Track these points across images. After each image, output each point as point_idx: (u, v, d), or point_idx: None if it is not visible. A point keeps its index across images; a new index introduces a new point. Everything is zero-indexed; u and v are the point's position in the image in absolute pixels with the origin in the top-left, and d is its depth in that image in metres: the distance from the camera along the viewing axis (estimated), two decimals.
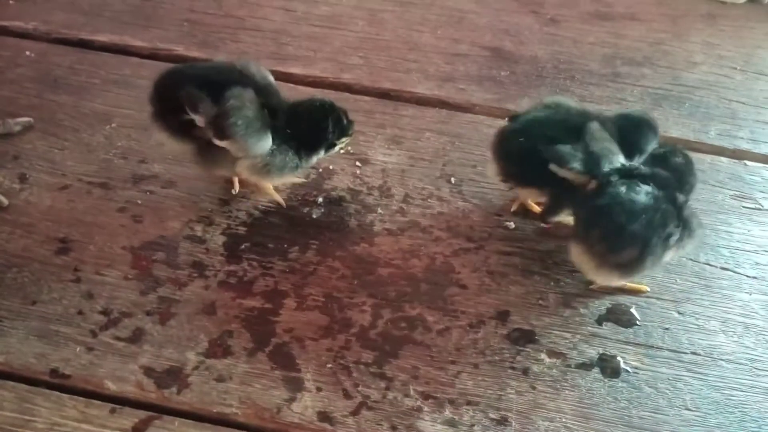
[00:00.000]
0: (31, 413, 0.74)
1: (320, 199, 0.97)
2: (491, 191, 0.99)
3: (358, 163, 1.01)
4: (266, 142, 0.87)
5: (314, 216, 0.95)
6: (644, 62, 1.21)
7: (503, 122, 1.07)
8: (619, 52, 1.22)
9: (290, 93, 1.09)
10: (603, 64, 1.19)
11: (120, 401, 0.76)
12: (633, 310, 0.87)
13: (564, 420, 0.78)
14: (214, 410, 0.76)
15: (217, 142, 0.86)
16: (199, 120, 0.85)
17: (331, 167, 1.00)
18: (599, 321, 0.86)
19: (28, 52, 1.13)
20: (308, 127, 0.90)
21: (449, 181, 1.00)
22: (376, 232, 0.93)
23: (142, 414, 0.75)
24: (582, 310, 0.87)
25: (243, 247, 0.91)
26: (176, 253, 0.89)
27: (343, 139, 0.93)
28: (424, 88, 1.12)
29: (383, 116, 1.08)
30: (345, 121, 0.92)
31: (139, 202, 0.94)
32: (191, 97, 0.84)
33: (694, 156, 1.05)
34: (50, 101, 1.06)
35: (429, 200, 0.97)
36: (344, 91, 1.11)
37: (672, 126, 1.10)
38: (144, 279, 0.86)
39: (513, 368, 0.81)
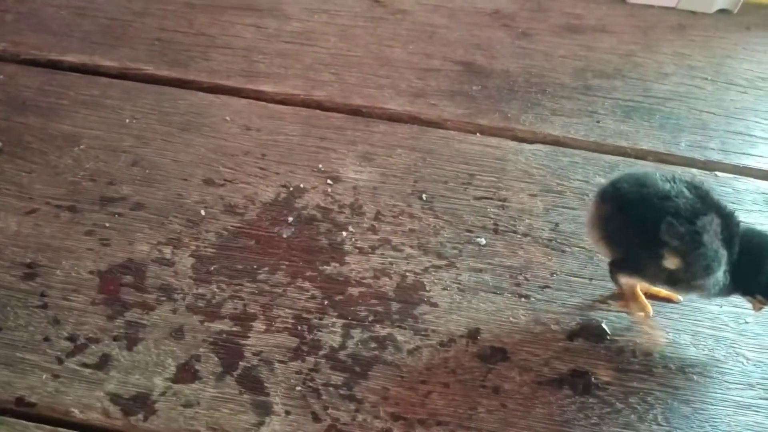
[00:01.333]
0: None
1: (291, 219, 0.96)
2: (462, 207, 0.99)
3: (329, 181, 1.01)
4: (718, 276, 0.80)
5: (284, 236, 0.94)
6: (615, 74, 1.22)
7: (474, 137, 1.08)
8: (590, 64, 1.23)
9: (262, 111, 1.10)
10: (574, 77, 1.20)
11: (86, 429, 0.75)
12: (604, 325, 0.88)
13: None
14: None
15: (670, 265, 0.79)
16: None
17: (302, 185, 1.00)
18: (570, 337, 0.86)
19: None
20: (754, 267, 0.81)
21: (420, 198, 1.00)
22: (346, 250, 0.93)
23: None
24: (553, 327, 0.87)
25: (212, 269, 0.90)
26: (144, 277, 0.88)
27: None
28: (395, 104, 1.12)
29: (354, 133, 1.08)
30: None
31: (107, 225, 0.93)
32: (673, 232, 0.77)
33: (665, 168, 1.07)
34: (18, 124, 1.06)
35: (400, 217, 0.97)
36: (315, 108, 1.11)
37: (642, 138, 1.11)
38: (111, 303, 0.86)
39: (483, 386, 0.81)
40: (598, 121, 1.13)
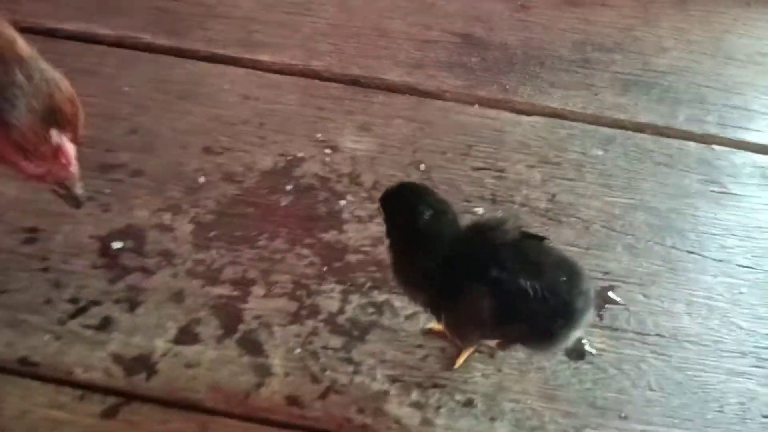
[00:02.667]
0: (0, 401, 0.74)
1: (289, 187, 0.97)
2: (460, 178, 1.00)
3: (327, 151, 1.01)
4: None
5: (283, 203, 0.95)
6: (614, 48, 1.22)
7: (473, 108, 1.08)
8: (589, 37, 1.23)
9: (260, 80, 1.10)
10: (573, 50, 1.20)
11: (89, 388, 0.77)
12: (611, 294, 0.89)
13: (529, 401, 0.79)
14: (183, 396, 0.77)
15: None
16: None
17: (300, 155, 1.01)
18: None
19: None
20: None
21: (419, 168, 1.00)
22: (345, 219, 0.94)
23: (112, 400, 0.76)
24: None
25: (211, 235, 0.91)
26: (144, 242, 0.89)
27: None
28: (394, 74, 1.12)
29: (353, 103, 1.08)
30: None
31: (107, 191, 0.94)
32: None
33: (663, 141, 1.07)
34: None
35: None
36: (314, 78, 1.11)
37: (641, 111, 1.11)
38: (112, 268, 0.86)
39: (479, 351, 0.82)
40: (596, 94, 1.13)
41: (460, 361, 0.81)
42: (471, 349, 0.81)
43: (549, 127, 1.07)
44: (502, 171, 1.01)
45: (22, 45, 0.67)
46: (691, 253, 0.94)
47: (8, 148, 0.65)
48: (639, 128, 1.09)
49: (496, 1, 1.28)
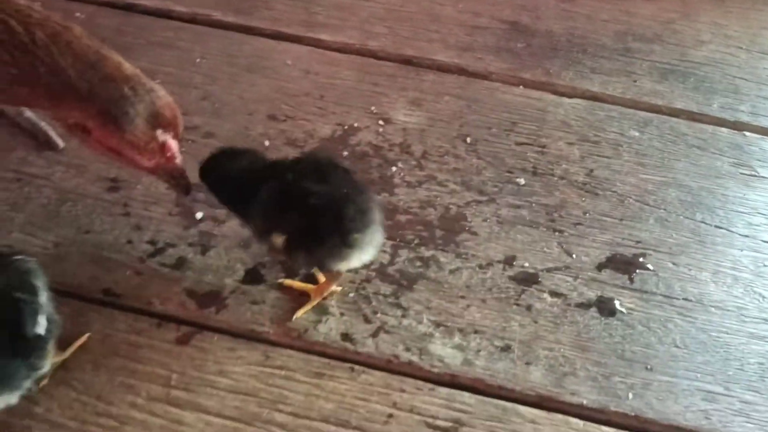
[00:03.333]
0: (85, 326, 0.84)
1: (345, 153, 1.05)
2: (504, 151, 1.07)
3: (380, 122, 1.10)
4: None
5: None
6: (654, 39, 1.28)
7: (518, 89, 1.16)
8: (630, 29, 1.29)
9: (320, 57, 1.19)
10: (614, 40, 1.27)
11: (165, 318, 0.86)
12: (644, 261, 0.95)
13: (562, 350, 0.86)
14: (249, 328, 0.85)
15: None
16: None
17: (355, 125, 1.09)
18: (599, 268, 0.94)
19: (77, 14, 1.23)
20: None
21: (465, 141, 1.08)
22: (395, 183, 1.02)
23: (185, 329, 0.85)
24: (583, 258, 0.95)
25: None
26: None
27: None
28: (444, 56, 1.20)
29: (405, 80, 1.16)
30: None
31: (182, 149, 1.03)
32: None
33: (697, 126, 1.13)
34: None
35: (445, 157, 1.06)
36: (369, 57, 1.20)
37: (677, 98, 1.17)
38: (185, 216, 0.96)
39: (517, 304, 0.90)
40: (635, 81, 1.20)
41: (300, 313, 0.86)
42: (313, 303, 0.87)
43: (589, 109, 1.14)
44: (543, 147, 1.08)
45: (127, 65, 0.81)
46: (719, 228, 1.00)
47: (125, 147, 0.80)
48: (674, 113, 1.15)
49: None
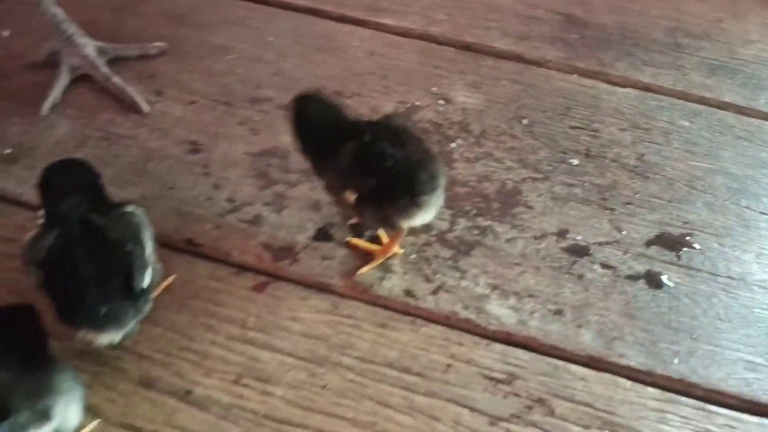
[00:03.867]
0: (171, 271, 0.91)
1: None
2: (558, 133, 1.13)
3: (441, 102, 1.16)
4: None
5: None
6: (703, 36, 1.33)
7: (572, 77, 1.21)
8: (681, 25, 1.34)
9: (384, 40, 1.26)
10: (665, 35, 1.32)
11: (243, 267, 0.93)
12: (677, 236, 1.00)
13: (611, 317, 0.91)
14: (319, 280, 0.92)
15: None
16: None
17: (417, 103, 1.15)
18: (648, 244, 0.99)
19: None
20: None
21: (521, 122, 1.14)
22: (455, 158, 1.08)
23: (261, 278, 0.92)
24: (633, 234, 1.00)
25: None
26: (288, 161, 1.05)
27: None
28: (502, 43, 1.26)
29: (464, 65, 1.22)
30: None
31: (257, 118, 1.11)
32: None
33: (744, 119, 1.18)
34: (177, 33, 1.24)
35: (502, 136, 1.11)
36: (430, 41, 1.26)
37: (725, 92, 1.22)
38: (261, 178, 1.03)
39: (569, 273, 0.95)
40: (684, 74, 1.25)
41: (364, 269, 0.93)
42: (377, 262, 0.93)
43: (640, 98, 1.19)
44: (596, 131, 1.13)
45: None
46: (764, 214, 1.04)
47: None
48: (722, 106, 1.20)
49: None
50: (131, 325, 0.79)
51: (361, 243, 0.96)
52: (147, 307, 0.80)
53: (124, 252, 0.77)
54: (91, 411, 0.80)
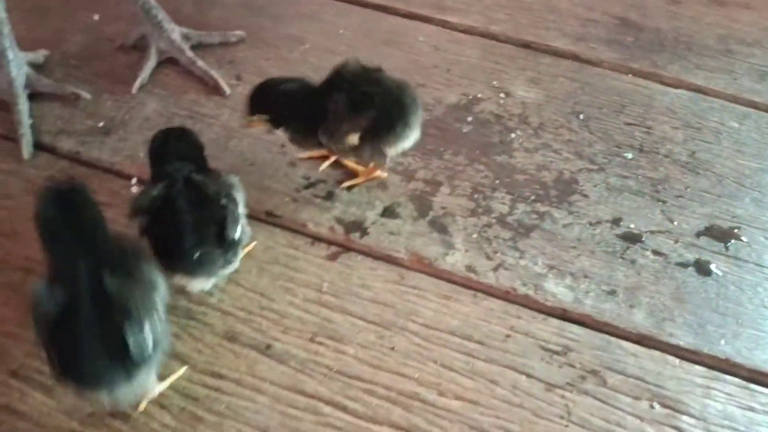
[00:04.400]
0: (252, 238, 0.98)
1: (470, 119, 1.18)
2: (613, 129, 1.18)
3: (501, 95, 1.22)
4: None
5: (464, 130, 1.16)
6: (754, 44, 1.37)
7: (627, 77, 1.27)
8: (732, 33, 1.39)
9: (447, 37, 1.33)
10: (717, 41, 1.36)
11: (317, 238, 1.00)
12: (725, 229, 1.05)
13: (662, 300, 0.96)
14: (387, 253, 0.99)
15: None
16: None
17: (479, 96, 1.22)
18: (697, 235, 1.04)
19: None
20: None
21: (578, 117, 1.19)
22: (514, 147, 1.14)
23: (334, 248, 0.99)
24: (684, 225, 1.05)
25: None
26: None
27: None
28: (560, 43, 1.32)
29: (524, 61, 1.29)
30: None
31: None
32: None
33: None
34: (255, 23, 1.32)
35: (560, 129, 1.17)
36: (491, 39, 1.33)
37: None
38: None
39: (623, 258, 1.01)
40: (735, 79, 1.29)
41: (347, 184, 1.06)
42: (360, 180, 1.06)
43: (692, 99, 1.24)
44: (649, 128, 1.19)
45: None
46: None
47: None
48: None
49: None
50: (220, 274, 0.87)
51: (349, 163, 1.08)
52: (235, 260, 0.88)
53: (219, 205, 0.86)
54: (179, 359, 0.88)
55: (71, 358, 0.72)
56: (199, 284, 0.87)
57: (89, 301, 0.71)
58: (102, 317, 0.71)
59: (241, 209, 0.89)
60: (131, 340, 0.71)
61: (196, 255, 0.83)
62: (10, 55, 1.12)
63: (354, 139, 0.99)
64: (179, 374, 0.87)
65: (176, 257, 0.84)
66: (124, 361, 0.72)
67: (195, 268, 0.84)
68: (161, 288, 0.78)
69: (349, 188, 1.06)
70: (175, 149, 0.90)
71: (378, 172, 1.07)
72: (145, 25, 1.21)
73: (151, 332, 0.74)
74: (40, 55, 1.20)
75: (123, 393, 0.75)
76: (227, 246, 0.86)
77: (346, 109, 0.99)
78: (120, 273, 0.73)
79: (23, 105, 1.10)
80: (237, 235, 0.86)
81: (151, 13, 1.20)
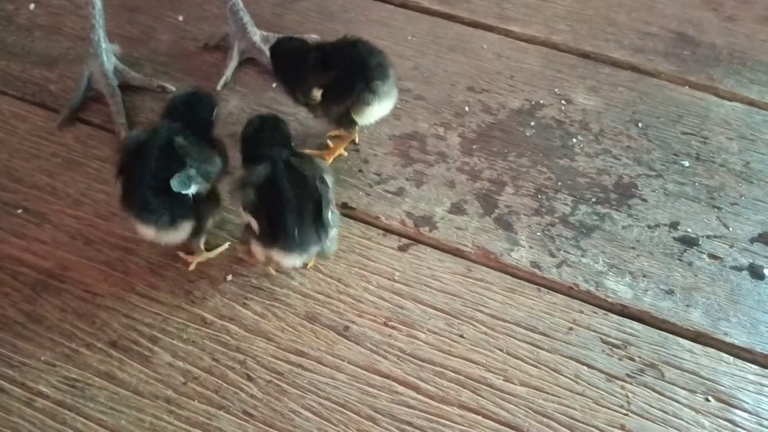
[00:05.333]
0: None
1: (532, 123, 1.24)
2: (671, 137, 1.23)
3: (563, 102, 1.28)
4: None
5: (527, 134, 1.22)
6: None
7: (683, 89, 1.31)
8: None
9: (510, 45, 1.39)
10: None
11: (389, 230, 1.07)
12: None
13: (717, 300, 1.01)
14: (455, 247, 1.05)
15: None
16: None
17: (541, 102, 1.28)
18: (752, 241, 1.09)
19: None
20: None
21: (637, 125, 1.25)
22: (576, 152, 1.20)
23: (405, 240, 1.05)
24: (738, 231, 1.10)
25: (474, 147, 1.19)
26: (425, 144, 1.19)
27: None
28: (618, 54, 1.37)
29: (584, 71, 1.34)
30: None
31: (398, 106, 1.24)
32: None
33: None
34: (328, 28, 1.39)
35: (619, 136, 1.23)
36: (552, 48, 1.38)
37: None
38: (403, 157, 1.17)
39: (680, 260, 1.06)
40: None
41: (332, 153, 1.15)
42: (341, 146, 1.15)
43: (747, 112, 1.28)
44: (705, 138, 1.23)
45: None
46: None
47: None
48: None
49: (707, 10, 1.50)
50: (313, 251, 0.94)
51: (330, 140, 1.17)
52: (327, 242, 0.94)
53: (314, 186, 0.93)
54: (264, 336, 0.95)
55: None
56: (293, 260, 0.93)
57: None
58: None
59: (331, 193, 0.96)
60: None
61: (295, 233, 0.90)
62: (104, 45, 1.21)
63: (317, 94, 1.07)
64: (224, 247, 1.02)
65: (277, 232, 0.91)
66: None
67: (291, 246, 0.91)
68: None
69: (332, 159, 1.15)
70: (270, 134, 0.98)
71: (341, 150, 1.15)
72: (229, 26, 1.29)
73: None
74: (118, 49, 1.28)
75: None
76: (321, 226, 0.92)
77: (315, 65, 1.07)
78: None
79: (118, 96, 1.19)
80: (329, 216, 0.93)
81: (237, 15, 1.27)
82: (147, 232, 0.94)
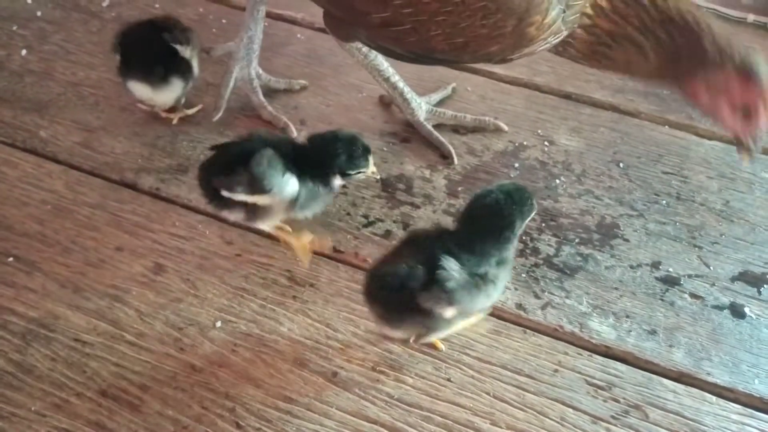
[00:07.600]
0: (318, 274, 1.07)
1: (516, 164, 1.26)
2: (651, 177, 1.26)
3: (546, 143, 1.31)
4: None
5: (512, 175, 1.24)
6: None
7: (663, 128, 1.34)
8: None
9: (494, 87, 1.42)
10: None
11: None
12: (758, 275, 1.12)
13: (699, 339, 1.03)
14: None
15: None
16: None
17: (524, 143, 1.30)
18: (732, 279, 1.11)
19: (299, 35, 1.50)
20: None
21: (618, 165, 1.27)
22: (559, 192, 1.22)
23: None
24: (719, 270, 1.12)
25: (459, 188, 1.21)
26: (412, 186, 1.21)
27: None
28: (599, 94, 1.41)
29: (566, 111, 1.37)
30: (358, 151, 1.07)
31: (385, 149, 1.27)
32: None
33: None
34: (317, 72, 1.42)
35: (601, 176, 1.25)
36: (535, 89, 1.42)
37: None
38: (390, 200, 1.19)
39: (662, 300, 1.08)
40: (766, 133, 1.36)
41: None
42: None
43: (726, 150, 1.31)
44: (685, 177, 1.26)
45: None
46: None
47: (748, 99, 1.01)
48: None
49: None
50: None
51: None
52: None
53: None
54: (253, 383, 0.96)
55: None
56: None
57: None
58: None
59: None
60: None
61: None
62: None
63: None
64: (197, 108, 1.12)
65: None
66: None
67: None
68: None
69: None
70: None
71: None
72: (237, 48, 1.32)
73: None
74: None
75: None
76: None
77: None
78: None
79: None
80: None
81: (252, 41, 1.30)
82: (144, 91, 1.22)
